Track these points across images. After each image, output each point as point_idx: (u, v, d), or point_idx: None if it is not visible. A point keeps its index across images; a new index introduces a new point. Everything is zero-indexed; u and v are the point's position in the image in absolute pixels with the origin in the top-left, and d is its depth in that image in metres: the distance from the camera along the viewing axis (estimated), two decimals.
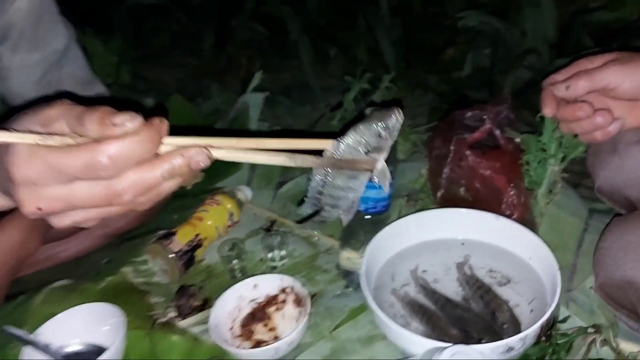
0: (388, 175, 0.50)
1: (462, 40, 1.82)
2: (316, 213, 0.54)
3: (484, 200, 0.98)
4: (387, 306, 0.81)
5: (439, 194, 1.06)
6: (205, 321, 0.84)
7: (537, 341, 0.74)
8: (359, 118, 0.50)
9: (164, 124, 0.41)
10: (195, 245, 0.99)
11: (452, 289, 0.83)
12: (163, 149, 0.42)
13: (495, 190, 0.98)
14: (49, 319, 0.83)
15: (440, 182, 1.07)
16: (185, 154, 0.41)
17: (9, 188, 0.41)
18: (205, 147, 0.43)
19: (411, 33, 1.93)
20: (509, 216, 0.91)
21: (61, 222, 0.43)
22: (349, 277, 0.92)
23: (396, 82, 1.51)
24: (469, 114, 1.09)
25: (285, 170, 1.22)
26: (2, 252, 0.90)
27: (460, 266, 0.85)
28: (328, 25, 2.08)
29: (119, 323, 0.81)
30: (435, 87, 1.75)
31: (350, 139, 0.47)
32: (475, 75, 1.72)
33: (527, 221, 0.94)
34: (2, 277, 0.91)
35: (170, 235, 0.98)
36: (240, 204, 1.10)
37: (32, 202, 0.41)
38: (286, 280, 0.86)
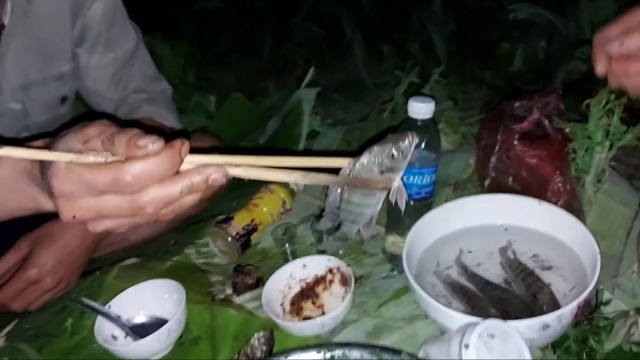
0: (404, 194, 0.54)
1: (517, 34, 1.81)
2: (337, 228, 0.58)
3: (531, 189, 0.99)
4: (430, 287, 0.84)
5: (486, 183, 1.08)
6: (258, 298, 0.90)
7: (577, 323, 0.76)
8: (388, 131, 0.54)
9: (185, 145, 0.46)
10: (251, 230, 1.07)
11: (494, 272, 0.85)
12: (185, 166, 0.47)
13: (542, 178, 0.99)
14: (120, 293, 0.92)
15: (487, 171, 1.09)
16: (203, 172, 0.46)
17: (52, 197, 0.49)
18: (222, 166, 0.47)
19: (464, 28, 1.94)
20: (554, 203, 0.92)
21: (95, 228, 0.49)
22: (394, 261, 0.96)
23: (449, 76, 1.54)
24: (517, 104, 1.10)
25: None
26: (81, 236, 1.00)
27: (503, 250, 0.87)
28: (382, 23, 2.13)
29: (181, 298, 0.89)
30: (489, 81, 1.76)
31: (365, 159, 0.51)
32: (531, 68, 1.71)
33: (574, 209, 0.94)
34: (81, 257, 1.02)
35: (228, 219, 1.06)
36: (292, 193, 1.17)
37: (68, 211, 0.47)
38: (333, 261, 0.92)
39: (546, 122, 1.05)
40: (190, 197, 0.47)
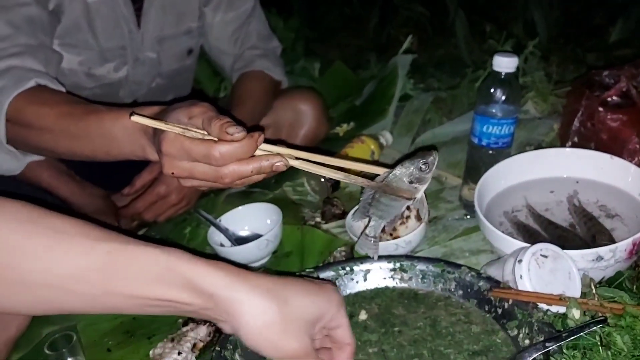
0: (425, 205, 0.65)
1: (623, 18, 1.78)
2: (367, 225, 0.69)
3: (609, 152, 1.04)
4: (497, 225, 0.93)
5: (567, 146, 1.13)
6: (343, 226, 1.04)
7: (634, 267, 0.81)
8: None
9: (260, 138, 0.59)
10: None
11: (560, 217, 0.92)
12: (258, 152, 0.60)
13: (620, 141, 1.03)
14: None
15: (569, 135, 1.14)
16: (270, 159, 0.59)
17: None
18: (285, 157, 0.60)
19: (570, 11, 1.93)
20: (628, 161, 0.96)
21: (185, 184, 0.63)
22: (469, 208, 1.05)
23: (550, 56, 1.56)
24: (606, 73, 1.14)
25: (423, 122, 1.38)
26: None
27: (570, 198, 0.93)
28: (486, 3, 2.16)
29: (278, 219, 1.05)
30: (592, 63, 1.75)
31: (397, 171, 0.61)
32: (637, 53, 1.68)
33: None
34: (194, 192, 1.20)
35: None
36: (381, 146, 1.29)
37: (168, 168, 0.61)
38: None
39: (633, 92, 1.08)
40: (257, 176, 0.61)
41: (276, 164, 0.60)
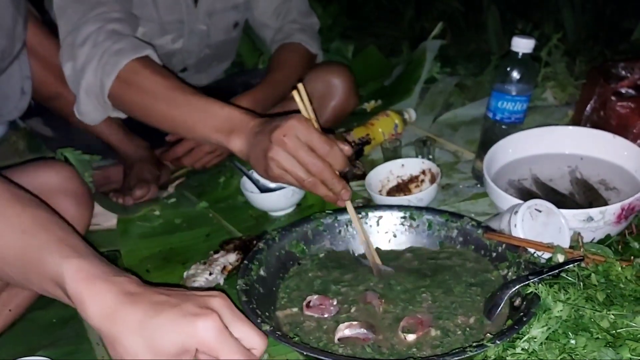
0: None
1: None
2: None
3: None
4: (503, 190, 1.01)
5: None
6: (363, 185, 1.14)
7: (624, 232, 0.89)
8: None
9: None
10: (365, 142, 1.31)
11: (562, 186, 1.00)
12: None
13: (627, 127, 1.11)
14: None
15: (581, 120, 1.22)
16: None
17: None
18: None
19: (601, 13, 1.98)
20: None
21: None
22: (480, 178, 1.14)
23: (577, 55, 1.62)
24: (622, 64, 1.21)
25: (446, 104, 1.47)
26: None
27: (572, 171, 1.02)
28: (519, 1, 2.22)
29: None
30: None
31: None
32: None
33: None
34: None
35: (348, 130, 1.31)
36: (405, 121, 1.38)
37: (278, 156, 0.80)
38: (426, 164, 1.13)
39: None
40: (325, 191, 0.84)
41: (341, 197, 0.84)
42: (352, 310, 0.75)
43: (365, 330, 0.71)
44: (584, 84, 1.27)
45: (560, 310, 0.67)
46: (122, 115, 1.12)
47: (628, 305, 0.66)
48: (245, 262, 0.81)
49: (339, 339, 0.71)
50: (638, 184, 0.95)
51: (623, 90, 1.17)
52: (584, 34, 2.03)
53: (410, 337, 0.70)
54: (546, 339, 0.65)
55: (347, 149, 0.82)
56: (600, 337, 0.64)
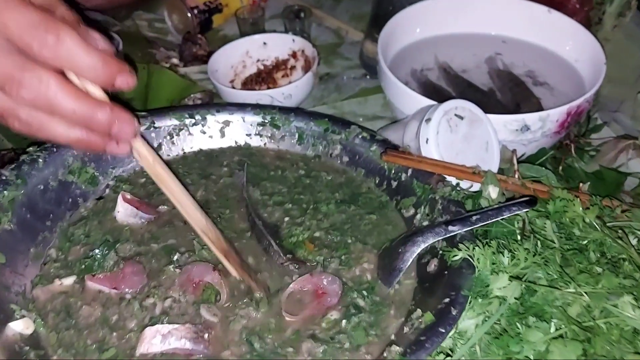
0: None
1: None
2: None
3: None
4: (403, 83, 0.72)
5: None
6: (205, 71, 0.78)
7: (561, 145, 0.66)
8: None
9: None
10: (214, 8, 0.92)
11: (479, 81, 0.73)
12: None
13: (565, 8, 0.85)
14: None
15: None
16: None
17: None
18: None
19: None
20: None
21: None
22: (370, 68, 0.84)
23: None
24: None
25: None
26: None
27: (491, 60, 0.75)
28: None
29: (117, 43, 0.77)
30: None
31: None
32: None
33: None
34: None
35: None
36: None
37: None
38: (298, 43, 0.79)
39: None
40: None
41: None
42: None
43: (190, 342, 0.41)
44: None
45: (504, 288, 0.41)
46: None
47: (604, 276, 0.41)
48: None
49: (141, 355, 0.40)
50: (580, 78, 0.70)
51: None
52: None
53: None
54: (486, 335, 0.39)
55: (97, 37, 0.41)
56: (568, 332, 0.39)
